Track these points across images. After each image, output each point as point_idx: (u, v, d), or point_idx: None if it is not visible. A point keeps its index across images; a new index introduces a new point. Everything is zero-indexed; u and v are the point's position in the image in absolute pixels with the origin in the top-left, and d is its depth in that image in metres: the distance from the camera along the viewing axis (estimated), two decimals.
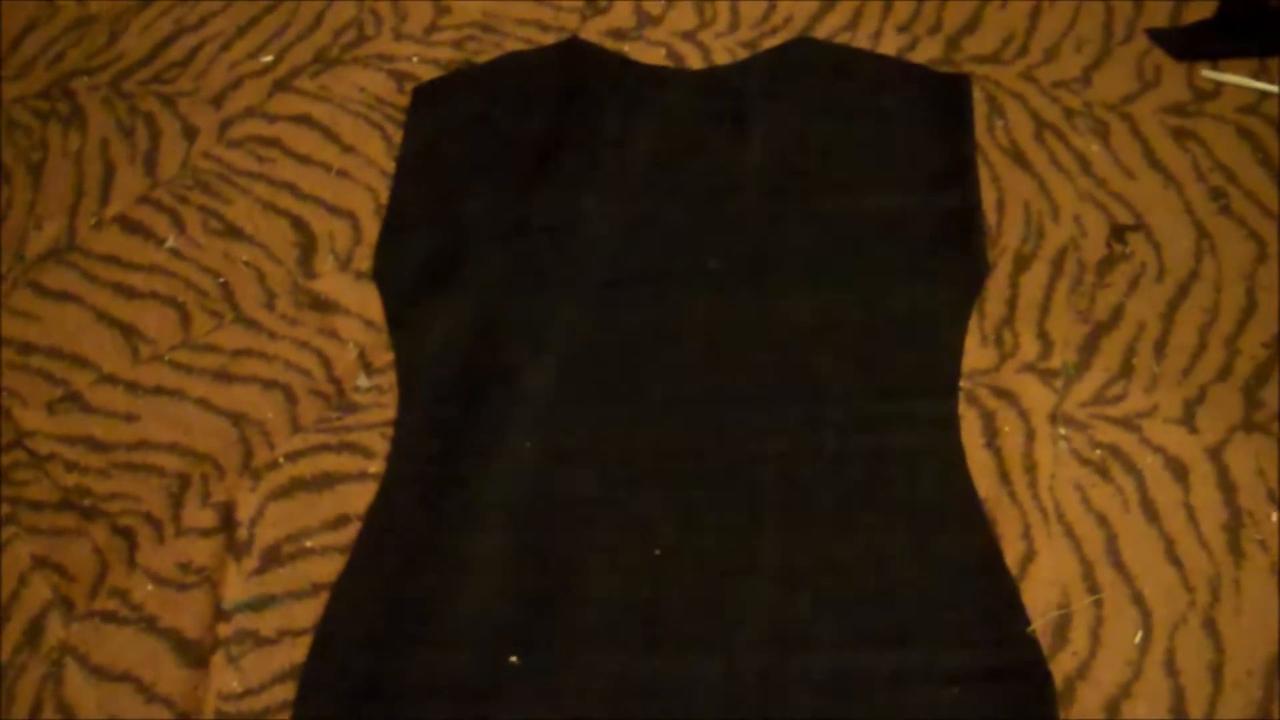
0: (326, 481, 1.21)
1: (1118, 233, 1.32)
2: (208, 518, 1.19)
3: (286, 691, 1.10)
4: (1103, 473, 1.18)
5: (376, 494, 1.19)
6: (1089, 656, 1.09)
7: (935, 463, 1.18)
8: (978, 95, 1.42)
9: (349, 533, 1.17)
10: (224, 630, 1.12)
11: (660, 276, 1.31)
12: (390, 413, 1.24)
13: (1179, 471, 1.17)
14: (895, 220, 1.33)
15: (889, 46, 1.48)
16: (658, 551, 1.15)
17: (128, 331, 1.31)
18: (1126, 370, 1.24)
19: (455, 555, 1.15)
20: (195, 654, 1.12)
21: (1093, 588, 1.12)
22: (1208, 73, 1.43)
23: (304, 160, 1.43)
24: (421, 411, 1.24)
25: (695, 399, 1.23)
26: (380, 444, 1.22)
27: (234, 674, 1.11)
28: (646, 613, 1.12)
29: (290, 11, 1.56)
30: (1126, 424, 1.20)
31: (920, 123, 1.41)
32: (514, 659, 1.09)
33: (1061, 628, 1.10)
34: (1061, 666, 1.08)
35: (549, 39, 1.51)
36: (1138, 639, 1.09)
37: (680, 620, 1.12)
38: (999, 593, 1.11)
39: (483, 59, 1.50)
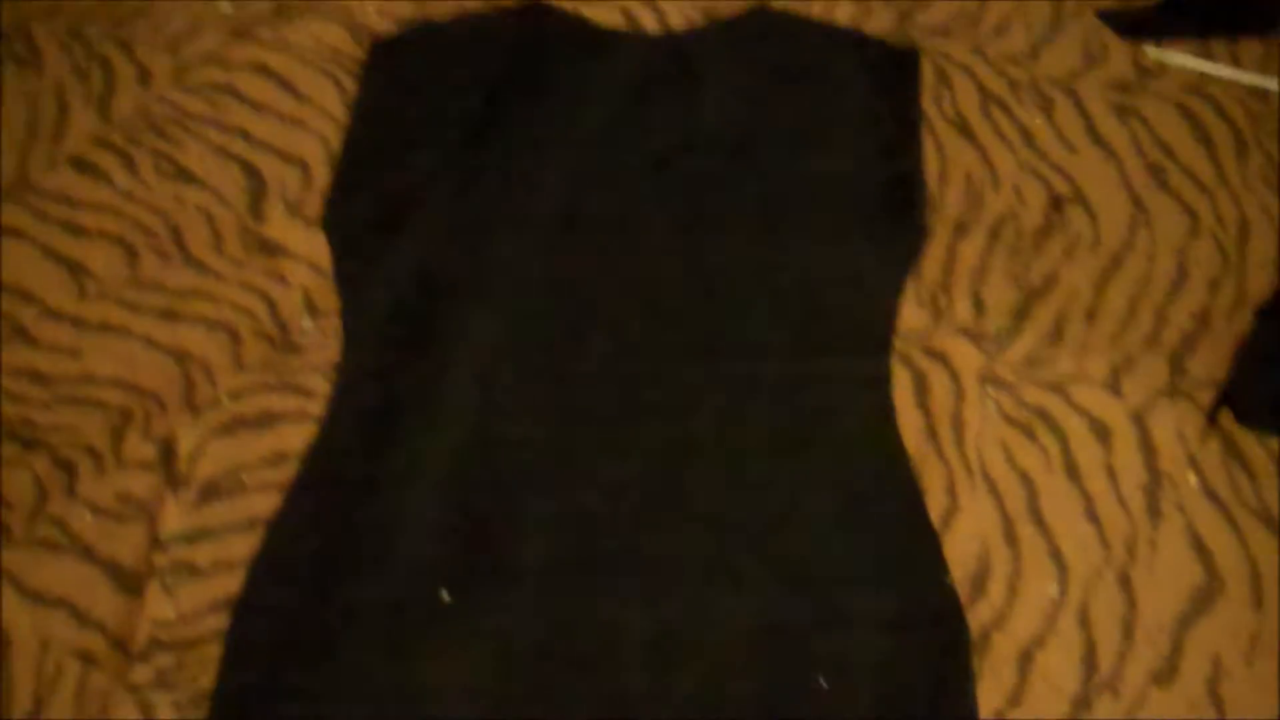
0: (267, 420, 1.22)
1: (1056, 203, 1.34)
2: (148, 451, 1.20)
3: (219, 621, 1.11)
4: (1028, 433, 1.20)
5: (317, 434, 1.20)
6: (1005, 607, 1.11)
7: (866, 420, 1.20)
8: (927, 67, 1.44)
9: (287, 471, 1.18)
10: (160, 560, 1.14)
11: (605, 231, 1.33)
12: (333, 354, 1.25)
13: (1102, 433, 1.20)
14: (839, 184, 1.35)
15: (843, 16, 1.50)
16: (594, 497, 1.17)
17: (75, 269, 1.32)
18: (1057, 335, 1.26)
19: (392, 496, 1.17)
20: (131, 582, 1.14)
21: (1012, 542, 1.14)
22: (1153, 51, 1.45)
23: (258, 108, 1.44)
24: (364, 356, 1.25)
25: (635, 352, 1.25)
26: (322, 385, 1.24)
27: (168, 602, 1.12)
28: (580, 557, 1.14)
29: None
30: (1054, 387, 1.23)
31: (869, 92, 1.42)
32: (445, 596, 1.11)
33: (980, 579, 1.12)
34: (978, 616, 1.10)
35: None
36: (1053, 592, 1.12)
37: (613, 565, 1.14)
38: (921, 545, 1.13)
39: (441, 16, 1.51)
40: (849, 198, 1.34)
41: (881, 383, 1.22)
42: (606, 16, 1.51)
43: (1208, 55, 1.46)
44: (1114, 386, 1.23)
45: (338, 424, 1.21)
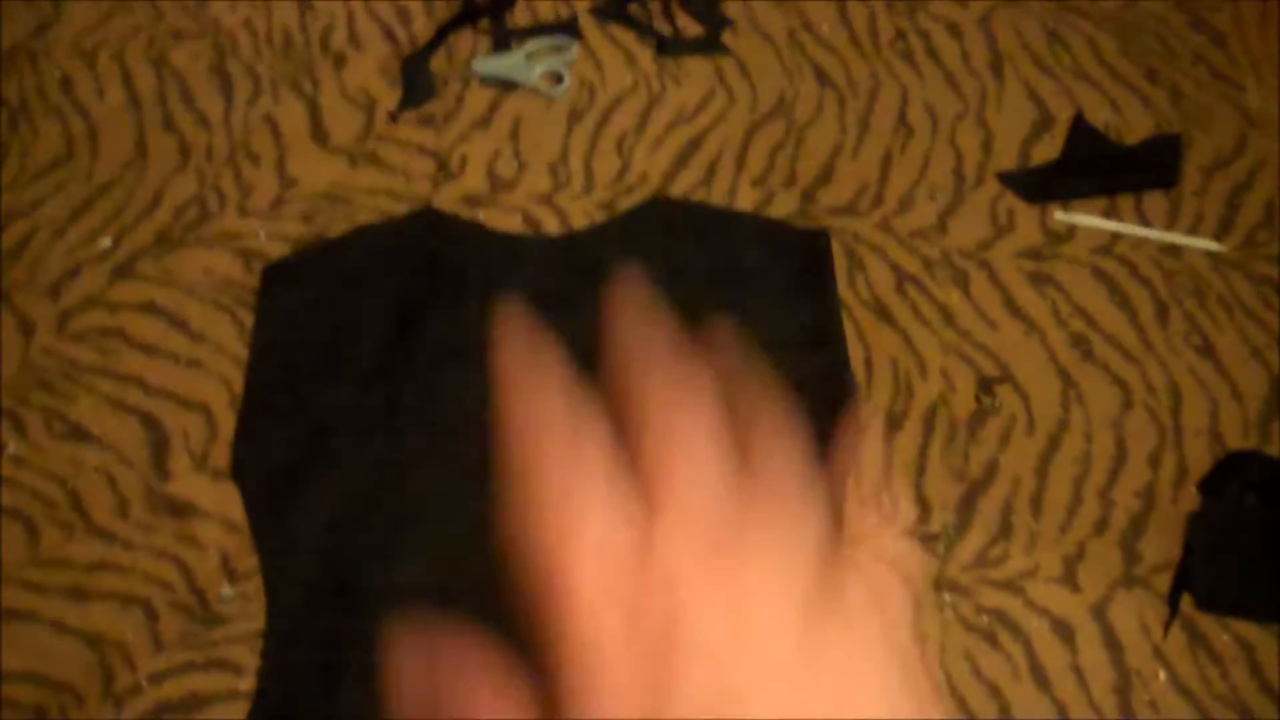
0: (195, 703, 1.15)
1: (985, 385, 1.32)
2: None
3: None
4: (991, 640, 1.17)
5: (248, 715, 1.13)
6: None
7: None
8: (837, 249, 1.42)
9: None
10: None
11: None
12: (258, 623, 1.18)
13: (1065, 633, 1.17)
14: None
15: (745, 201, 1.47)
16: None
17: None
18: (1005, 529, 1.23)
19: None
20: None
21: None
22: (1060, 215, 1.45)
23: (151, 351, 1.37)
24: (289, 621, 1.18)
25: None
26: (250, 658, 1.17)
27: None
28: None
29: (127, 191, 1.50)
30: (1010, 586, 1.20)
31: (783, 281, 1.39)
32: None
33: None
34: None
35: (402, 208, 1.47)
36: None
37: None
38: None
39: (333, 232, 1.46)
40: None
41: None
42: (505, 221, 1.46)
43: (1114, 212, 1.45)
44: (1070, 581, 1.20)
45: (269, 702, 1.14)
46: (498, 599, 1.14)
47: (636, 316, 0.46)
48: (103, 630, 1.19)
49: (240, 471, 1.28)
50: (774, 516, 0.43)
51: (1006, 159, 1.51)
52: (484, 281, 1.40)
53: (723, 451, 0.43)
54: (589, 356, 1.31)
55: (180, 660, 1.17)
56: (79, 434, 1.31)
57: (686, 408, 0.44)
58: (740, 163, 1.51)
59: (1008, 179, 1.48)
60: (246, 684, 1.15)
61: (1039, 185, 1.47)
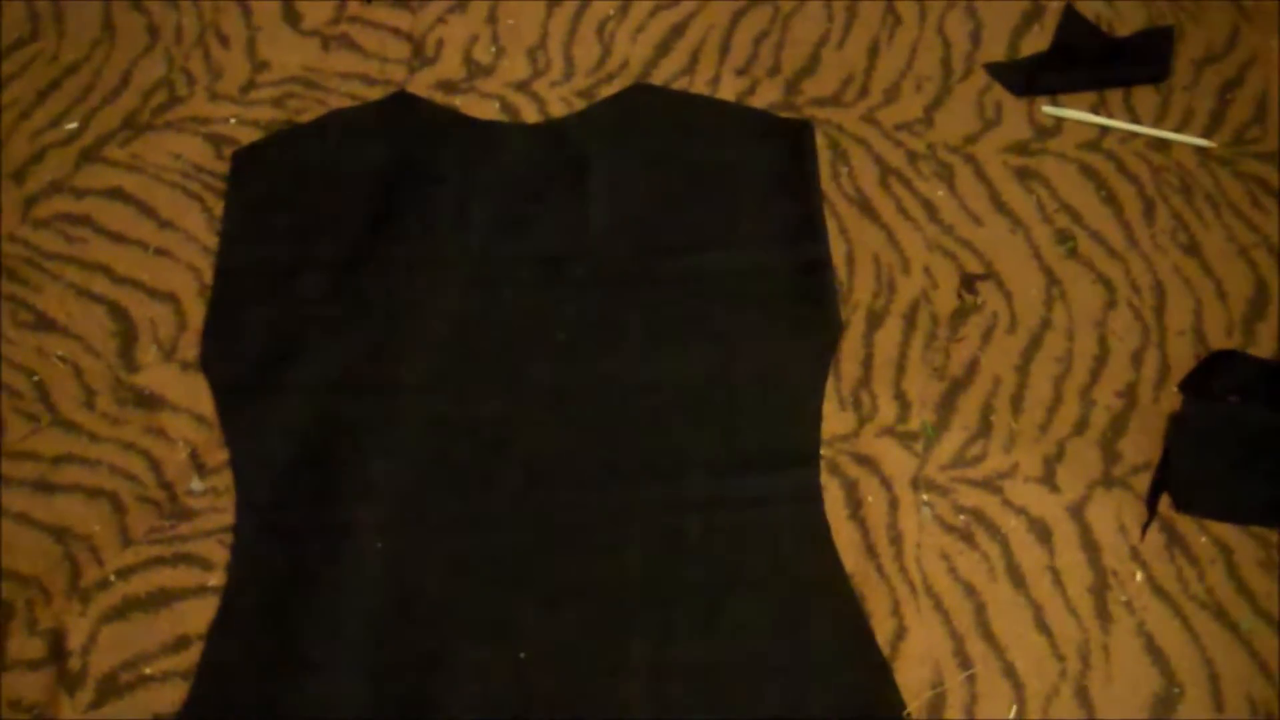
0: (163, 599, 1.13)
1: (968, 282, 1.30)
2: (35, 648, 1.11)
3: None
4: (967, 539, 1.16)
5: (218, 610, 1.12)
6: None
7: (801, 540, 1.15)
8: (821, 141, 1.39)
9: (191, 655, 1.10)
10: None
11: (506, 355, 1.25)
12: (228, 517, 1.17)
13: (1042, 533, 1.16)
14: (744, 279, 1.29)
15: (728, 91, 1.44)
16: (523, 654, 1.10)
17: None
18: (985, 428, 1.22)
19: (307, 674, 1.09)
20: None
21: (964, 662, 1.10)
22: (1048, 109, 1.42)
23: (118, 239, 1.34)
24: (261, 515, 1.17)
25: (552, 485, 1.18)
26: (219, 553, 1.15)
27: None
28: (515, 718, 1.08)
29: (94, 73, 1.46)
30: (988, 485, 1.19)
31: (764, 173, 1.37)
32: None
33: (936, 707, 1.08)
34: None
35: (376, 94, 1.44)
36: (1012, 714, 1.08)
37: None
38: (873, 675, 1.09)
39: (306, 118, 1.42)
40: (757, 293, 1.28)
41: (813, 497, 1.17)
42: (482, 108, 1.43)
43: (1103, 107, 1.42)
44: (1048, 480, 1.19)
45: (239, 598, 1.13)
46: (469, 494, 1.13)
47: None
48: (69, 524, 1.17)
49: (210, 363, 1.26)
50: None
51: (995, 50, 1.48)
52: (458, 171, 1.37)
53: None
54: (565, 245, 1.30)
55: (148, 555, 1.15)
56: (45, 323, 1.28)
57: None
58: (724, 51, 1.48)
59: (996, 71, 1.45)
60: (216, 580, 1.14)
61: (1027, 77, 1.44)
